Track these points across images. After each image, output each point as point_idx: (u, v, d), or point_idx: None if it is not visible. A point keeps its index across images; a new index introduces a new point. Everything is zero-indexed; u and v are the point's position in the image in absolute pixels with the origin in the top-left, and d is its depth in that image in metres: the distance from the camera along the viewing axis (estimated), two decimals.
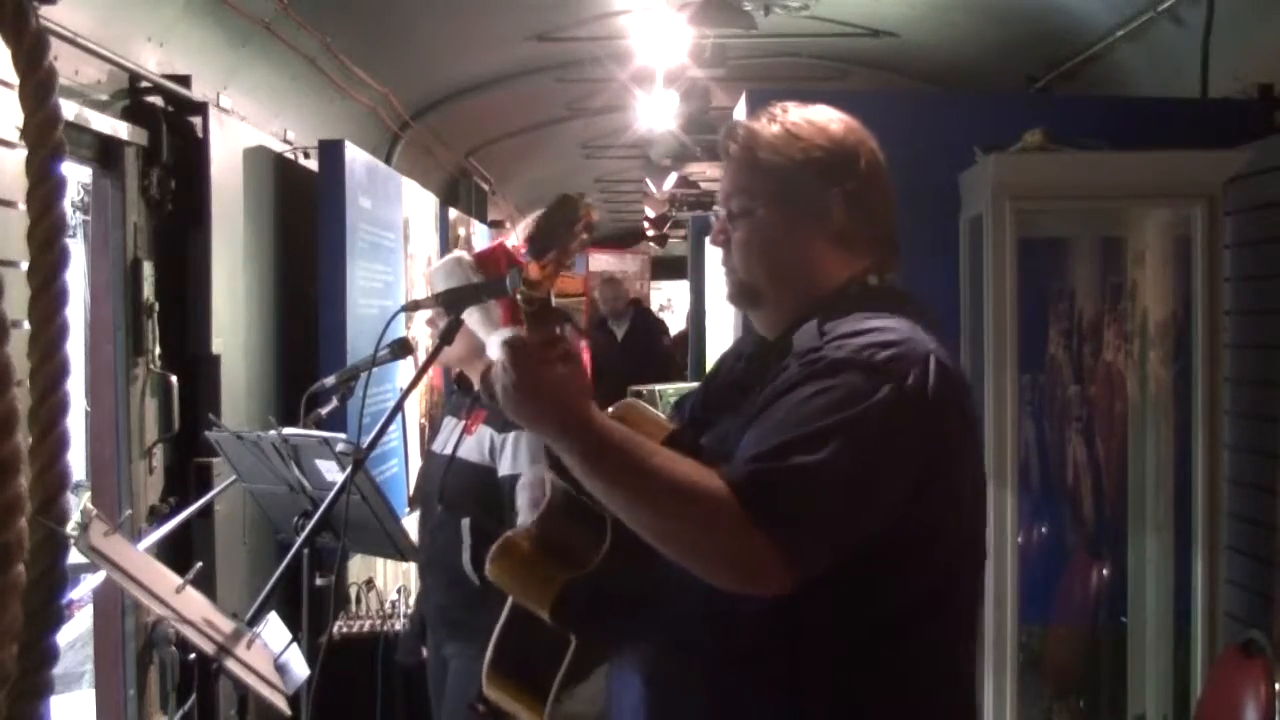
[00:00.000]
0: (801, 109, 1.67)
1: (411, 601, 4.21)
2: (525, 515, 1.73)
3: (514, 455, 2.78)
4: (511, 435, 2.77)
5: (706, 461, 1.47)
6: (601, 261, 11.93)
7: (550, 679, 1.61)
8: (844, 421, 1.41)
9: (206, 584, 2.98)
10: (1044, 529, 3.56)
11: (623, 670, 1.63)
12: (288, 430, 2.78)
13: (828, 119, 1.65)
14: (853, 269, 1.63)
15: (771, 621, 1.47)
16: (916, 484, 1.47)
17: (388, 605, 4.30)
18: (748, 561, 1.39)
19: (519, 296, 1.48)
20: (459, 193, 8.01)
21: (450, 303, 1.88)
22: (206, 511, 3.26)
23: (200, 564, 2.50)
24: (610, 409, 1.77)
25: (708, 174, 9.76)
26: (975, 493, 1.60)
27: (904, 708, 1.53)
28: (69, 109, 2.77)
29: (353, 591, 4.30)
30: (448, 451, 2.93)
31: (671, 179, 9.64)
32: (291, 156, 4.48)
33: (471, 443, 2.89)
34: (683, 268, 9.23)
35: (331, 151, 4.32)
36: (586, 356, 8.61)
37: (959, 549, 1.56)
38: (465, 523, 2.79)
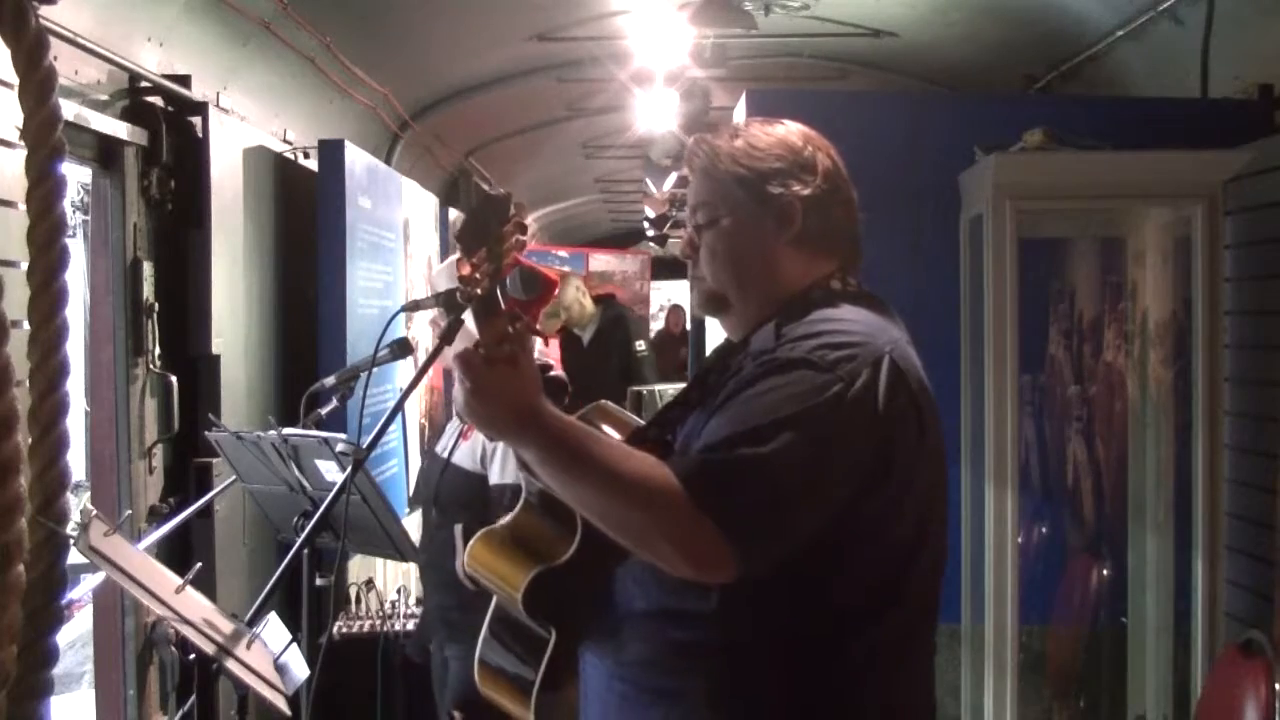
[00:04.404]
0: (762, 125, 1.76)
1: (413, 601, 4.22)
2: None
3: (503, 464, 2.79)
4: (501, 444, 2.77)
5: (667, 456, 1.55)
6: (601, 261, 11.91)
7: (533, 674, 1.67)
8: (792, 416, 1.48)
9: (206, 584, 2.98)
10: (1044, 529, 3.56)
11: (591, 660, 1.70)
12: (288, 430, 2.78)
13: (786, 131, 1.74)
14: (815, 273, 1.71)
15: (724, 620, 1.55)
16: (860, 483, 1.53)
17: (388, 605, 4.30)
18: (695, 548, 1.46)
19: (458, 295, 1.51)
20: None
21: (451, 303, 1.90)
22: (206, 511, 3.26)
23: (200, 564, 2.49)
24: (582, 411, 1.82)
25: None
26: (928, 500, 1.63)
27: (851, 708, 1.59)
28: (69, 109, 2.77)
29: (353, 591, 4.30)
30: (444, 455, 2.95)
31: (671, 179, 9.61)
32: (291, 156, 4.48)
33: (466, 449, 2.90)
34: (683, 268, 9.17)
35: (331, 151, 4.32)
36: (558, 360, 8.34)
37: (903, 554, 1.60)
38: (457, 529, 2.79)
